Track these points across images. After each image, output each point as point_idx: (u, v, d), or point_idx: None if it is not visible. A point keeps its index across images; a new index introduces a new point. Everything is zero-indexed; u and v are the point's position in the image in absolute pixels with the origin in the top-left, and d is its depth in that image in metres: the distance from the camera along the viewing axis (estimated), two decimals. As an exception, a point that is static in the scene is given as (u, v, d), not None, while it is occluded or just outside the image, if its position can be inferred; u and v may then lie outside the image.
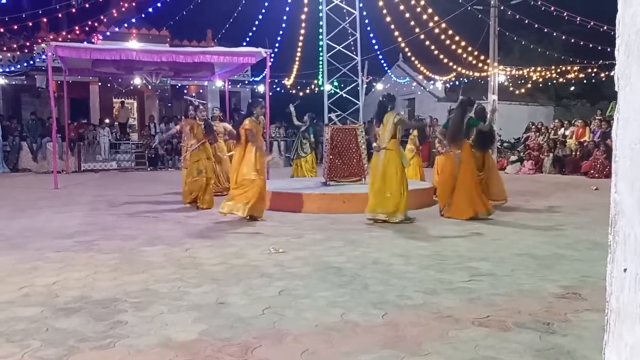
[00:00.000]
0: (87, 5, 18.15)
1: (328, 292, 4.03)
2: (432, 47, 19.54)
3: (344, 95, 10.89)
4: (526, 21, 18.48)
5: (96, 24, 19.84)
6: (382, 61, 24.00)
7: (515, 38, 21.84)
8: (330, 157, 9.79)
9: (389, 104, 7.50)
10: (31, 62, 20.95)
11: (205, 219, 7.89)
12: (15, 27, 18.30)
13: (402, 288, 4.11)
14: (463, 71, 22.26)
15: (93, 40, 20.66)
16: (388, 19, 16.65)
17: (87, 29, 19.64)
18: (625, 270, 0.99)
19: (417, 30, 18.17)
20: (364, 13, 14.92)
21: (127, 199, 10.34)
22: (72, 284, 4.30)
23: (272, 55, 15.08)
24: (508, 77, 23.21)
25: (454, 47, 18.92)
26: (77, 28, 19.02)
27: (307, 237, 6.30)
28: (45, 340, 3.11)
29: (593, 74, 22.72)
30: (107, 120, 22.04)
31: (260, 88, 24.48)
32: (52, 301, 3.85)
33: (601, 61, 21.26)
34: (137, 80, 19.70)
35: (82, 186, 13.41)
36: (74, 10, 18.39)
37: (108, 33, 20.36)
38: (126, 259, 5.21)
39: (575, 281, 4.27)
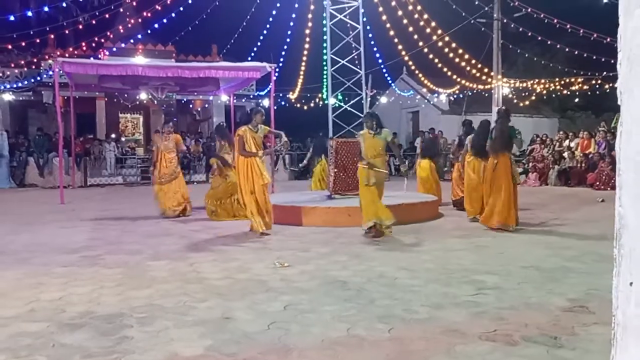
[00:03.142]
0: (93, 22, 18.36)
1: (334, 306, 4.01)
2: (436, 60, 19.63)
3: (348, 108, 10.93)
4: (529, 34, 18.56)
5: (102, 40, 20.07)
6: (386, 74, 24.12)
7: (518, 50, 21.91)
8: (335, 170, 9.79)
9: (366, 121, 7.44)
10: (38, 78, 21.15)
11: (210, 232, 7.89)
12: (23, 43, 18.51)
13: (408, 302, 4.09)
14: (467, 84, 22.31)
15: (99, 56, 20.85)
16: (391, 32, 16.75)
17: (93, 45, 19.85)
18: (631, 284, 0.98)
19: (420, 43, 18.28)
20: (368, 27, 15.03)
21: (133, 214, 10.36)
22: (78, 299, 4.30)
23: (277, 69, 15.16)
24: (512, 89, 23.25)
25: (457, 60, 19.00)
26: (83, 44, 19.23)
27: (312, 251, 6.28)
28: (50, 356, 3.10)
29: (597, 86, 22.74)
30: (113, 135, 22.16)
31: (265, 102, 24.54)
32: (57, 316, 3.85)
33: (605, 73, 21.28)
34: (143, 95, 19.82)
35: (88, 201, 13.45)
36: (80, 26, 18.60)
37: (114, 49, 20.55)
38: (131, 274, 5.21)
39: (582, 294, 4.24)
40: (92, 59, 17.65)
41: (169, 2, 16.28)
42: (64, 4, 18.73)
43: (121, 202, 13.12)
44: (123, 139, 23.91)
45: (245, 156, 7.41)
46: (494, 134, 7.89)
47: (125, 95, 21.83)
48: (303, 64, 19.52)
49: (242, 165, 7.45)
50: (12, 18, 15.87)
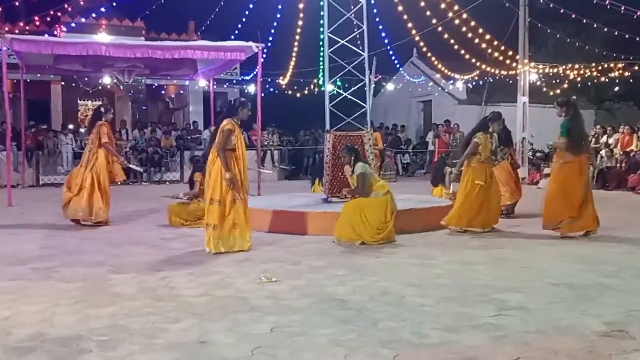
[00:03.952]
0: (48, -8, 18.31)
1: (330, 329, 4.02)
2: (452, 41, 19.63)
3: (349, 97, 10.92)
4: (562, 10, 18.58)
5: (59, 14, 19.96)
6: (394, 58, 24.13)
7: (549, 30, 21.94)
8: (333, 169, 9.79)
9: (344, 156, 8.12)
10: (-18, 59, 21.04)
11: (185, 241, 7.89)
12: (-36, 17, 18.42)
13: (417, 324, 4.11)
14: (488, 69, 22.35)
15: (56, 33, 20.77)
16: (400, 8, 16.76)
17: (48, 19, 19.73)
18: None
19: (434, 21, 18.28)
20: (373, 1, 15.04)
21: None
22: (28, 319, 4.29)
23: (265, 50, 15.18)
24: (541, 75, 23.30)
25: (477, 41, 19.01)
26: (37, 19, 19.12)
27: (304, 264, 6.30)
28: (-5, 386, 3.09)
29: (641, 72, 22.79)
30: (71, 126, 22.08)
31: (251, 88, 24.60)
32: (4, 339, 3.84)
33: (651, 57, 21.36)
34: (107, 80, 19.81)
35: (41, 203, 13.40)
36: (33, -3, 18.54)
37: (73, 24, 20.47)
38: (91, 290, 5.20)
39: (622, 316, 4.26)
40: (46, 36, 17.59)
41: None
42: (14, -29, 18.69)
43: (80, 205, 13.06)
44: (82, 130, 23.72)
45: (220, 158, 6.99)
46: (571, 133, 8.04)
47: (86, 79, 21.76)
48: (296, 44, 19.49)
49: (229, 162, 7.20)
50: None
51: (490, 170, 8.64)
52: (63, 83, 22.75)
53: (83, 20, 20.48)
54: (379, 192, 7.67)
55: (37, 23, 19.53)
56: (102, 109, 10.04)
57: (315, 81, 24.69)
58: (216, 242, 6.94)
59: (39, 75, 19.62)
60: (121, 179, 9.97)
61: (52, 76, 21.09)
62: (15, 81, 18.98)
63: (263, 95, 15.50)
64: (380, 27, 18.96)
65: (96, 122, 9.70)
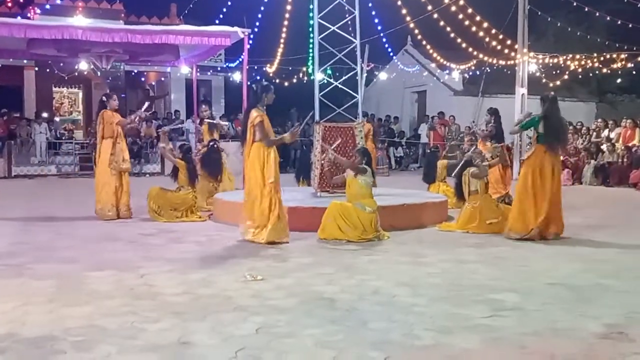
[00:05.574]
0: (21, -28, 18.16)
1: (317, 329, 4.03)
2: (448, 29, 19.65)
3: (339, 86, 10.93)
4: (563, -2, 18.66)
5: (33, -5, 19.82)
6: (387, 45, 24.12)
7: (549, 18, 22.02)
8: (322, 162, 9.79)
9: (354, 156, 8.13)
10: (-50, 42, 20.83)
11: (166, 237, 7.87)
12: None
13: (409, 325, 4.12)
14: (485, 58, 22.39)
15: (29, 15, 20.58)
16: (394, -7, 16.74)
17: (21, 0, 19.58)
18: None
19: (429, 7, 18.29)
20: (365, -14, 15.00)
21: (69, 212, 10.30)
22: (-2, 318, 4.26)
23: (252, 36, 15.11)
24: (540, 66, 23.38)
25: (474, 29, 19.04)
26: (8, 0, 18.96)
27: (291, 261, 6.30)
28: (-38, 388, 3.08)
29: (644, 63, 22.91)
30: (44, 114, 21.93)
31: (236, 76, 24.49)
32: (-28, 339, 3.82)
33: (655, 48, 21.48)
34: (84, 65, 19.61)
35: (13, 196, 13.32)
36: (5, -23, 18.39)
37: (48, 6, 20.32)
38: (66, 287, 5.18)
39: (621, 318, 4.30)
40: (19, 18, 17.43)
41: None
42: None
43: (54, 197, 13.02)
44: (57, 119, 23.63)
45: (270, 145, 7.37)
46: (556, 123, 8.06)
47: (61, 65, 21.59)
48: (284, 29, 19.42)
49: (266, 154, 7.38)
50: None
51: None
52: (37, 68, 22.57)
53: (58, 1, 20.34)
54: (366, 207, 7.59)
55: (9, 4, 19.37)
56: (104, 98, 10.17)
57: (304, 69, 24.65)
58: (273, 233, 7.25)
59: (10, 59, 19.42)
60: (123, 169, 9.89)
61: (25, 61, 20.91)
62: (-16, 66, 18.81)
63: (249, 83, 15.43)
64: (373, 13, 18.83)
65: (99, 114, 9.80)
